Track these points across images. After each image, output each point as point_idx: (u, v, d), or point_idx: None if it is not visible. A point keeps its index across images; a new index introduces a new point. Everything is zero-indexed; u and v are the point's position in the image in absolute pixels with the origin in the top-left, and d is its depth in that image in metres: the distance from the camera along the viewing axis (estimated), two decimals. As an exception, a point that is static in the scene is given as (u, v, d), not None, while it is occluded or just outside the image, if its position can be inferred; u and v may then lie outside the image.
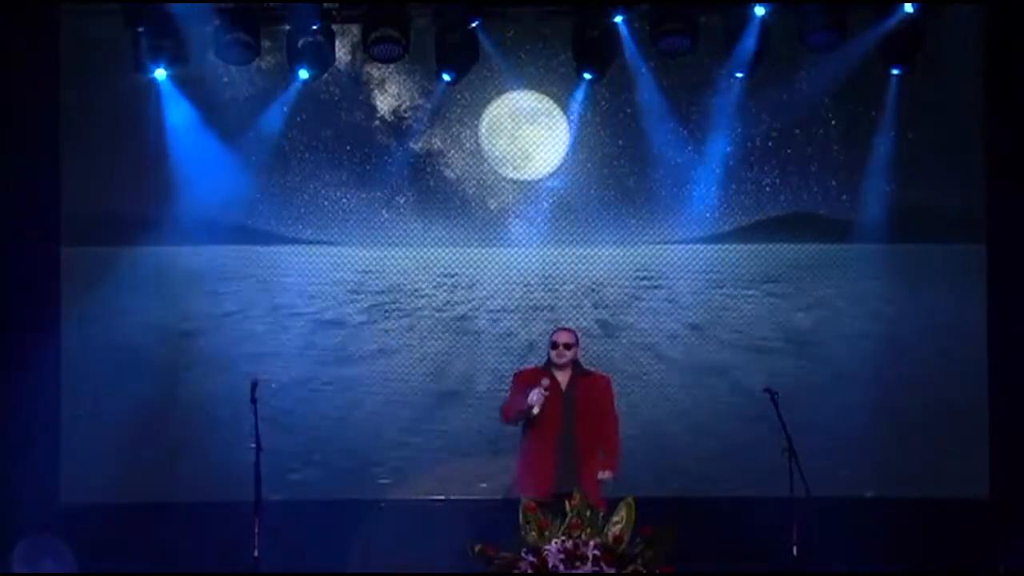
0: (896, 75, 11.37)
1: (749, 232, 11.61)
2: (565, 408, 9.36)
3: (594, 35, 11.25)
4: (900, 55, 11.29)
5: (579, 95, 11.53)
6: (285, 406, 11.28)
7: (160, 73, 11.15)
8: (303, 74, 11.25)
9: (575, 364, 9.48)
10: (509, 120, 11.60)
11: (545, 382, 9.29)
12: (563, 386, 9.42)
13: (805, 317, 11.57)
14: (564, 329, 9.69)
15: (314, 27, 11.05)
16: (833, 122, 11.58)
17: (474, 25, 11.15)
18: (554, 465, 9.29)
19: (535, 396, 9.25)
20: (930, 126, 11.47)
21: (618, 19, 11.19)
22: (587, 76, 11.35)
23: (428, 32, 11.27)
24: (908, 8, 11.06)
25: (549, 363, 9.52)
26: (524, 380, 9.47)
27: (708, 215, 11.62)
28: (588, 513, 8.29)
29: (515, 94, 11.57)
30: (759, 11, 11.09)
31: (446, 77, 11.32)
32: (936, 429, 11.31)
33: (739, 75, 11.39)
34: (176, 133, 11.39)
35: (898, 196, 11.53)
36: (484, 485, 11.17)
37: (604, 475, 9.28)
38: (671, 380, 11.52)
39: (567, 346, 9.44)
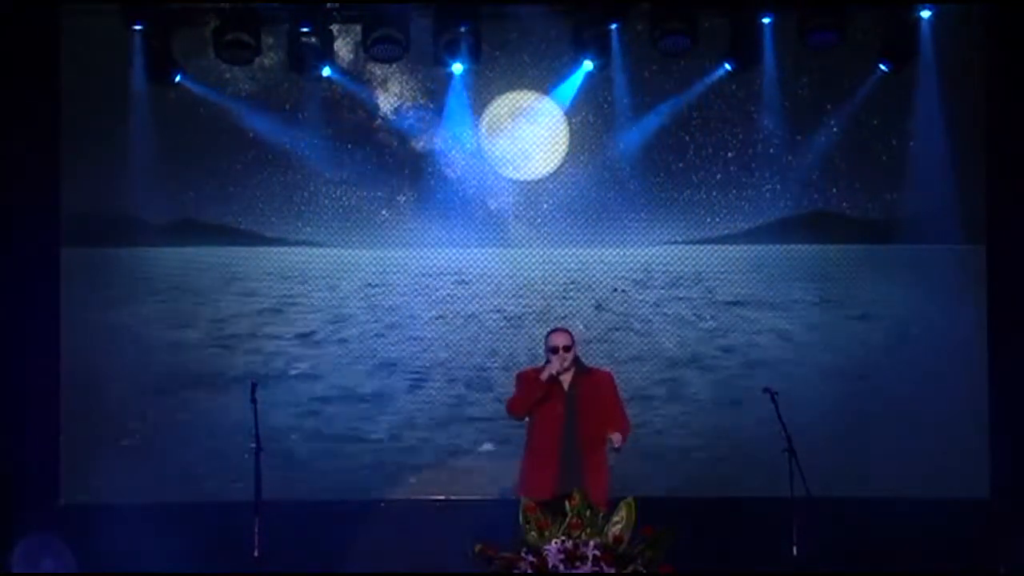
0: (896, 77, 11.39)
1: (750, 235, 11.62)
2: (568, 407, 9.27)
3: (596, 36, 11.26)
4: (900, 57, 11.31)
5: (580, 96, 11.54)
6: (285, 406, 11.27)
7: (177, 77, 11.25)
8: (327, 71, 11.26)
9: (576, 362, 9.38)
10: (509, 120, 11.61)
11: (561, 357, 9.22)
12: (565, 385, 9.32)
13: (806, 318, 11.57)
14: (559, 330, 9.48)
15: (315, 27, 11.06)
16: (834, 128, 11.58)
17: (475, 25, 11.15)
18: (557, 466, 9.20)
19: (554, 364, 9.19)
20: (930, 128, 11.46)
21: (616, 26, 11.22)
22: (588, 65, 11.36)
23: (428, 32, 11.27)
24: (918, 11, 11.09)
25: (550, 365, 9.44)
26: (528, 379, 9.39)
27: (709, 219, 11.62)
28: (588, 513, 8.28)
29: (515, 94, 11.58)
30: (766, 20, 11.15)
31: (459, 67, 11.28)
32: (936, 429, 11.31)
33: (740, 77, 11.41)
34: (176, 133, 11.40)
35: (899, 198, 11.55)
36: (484, 485, 11.16)
37: (613, 436, 9.08)
38: (671, 380, 11.52)
39: (567, 348, 9.30)
